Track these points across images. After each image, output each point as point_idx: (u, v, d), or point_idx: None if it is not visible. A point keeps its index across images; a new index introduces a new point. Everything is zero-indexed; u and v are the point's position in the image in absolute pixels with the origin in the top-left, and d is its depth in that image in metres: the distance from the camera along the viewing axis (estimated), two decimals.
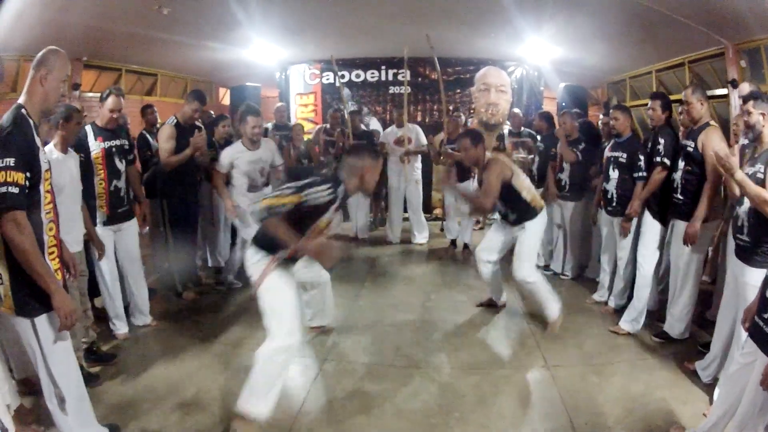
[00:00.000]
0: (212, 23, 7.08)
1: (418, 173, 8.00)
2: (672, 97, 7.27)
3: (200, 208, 5.97)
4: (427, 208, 9.16)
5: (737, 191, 3.39)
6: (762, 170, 2.97)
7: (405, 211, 8.18)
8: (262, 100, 10.66)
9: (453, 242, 7.76)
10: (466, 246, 7.49)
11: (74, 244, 3.67)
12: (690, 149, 4.13)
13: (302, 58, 10.14)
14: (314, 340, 4.51)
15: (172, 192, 5.25)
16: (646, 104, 4.88)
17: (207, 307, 5.33)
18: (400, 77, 9.38)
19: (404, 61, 7.93)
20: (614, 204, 4.94)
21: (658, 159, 4.45)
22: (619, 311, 4.92)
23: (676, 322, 4.42)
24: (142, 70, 9.15)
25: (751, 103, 3.13)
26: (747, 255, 3.15)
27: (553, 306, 4.63)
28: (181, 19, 6.66)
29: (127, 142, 4.55)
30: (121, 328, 4.48)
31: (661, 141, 4.41)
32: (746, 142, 3.86)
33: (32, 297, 2.43)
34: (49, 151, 3.53)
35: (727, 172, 3.04)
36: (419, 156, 7.93)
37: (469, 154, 4.68)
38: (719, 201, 4.33)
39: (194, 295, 5.53)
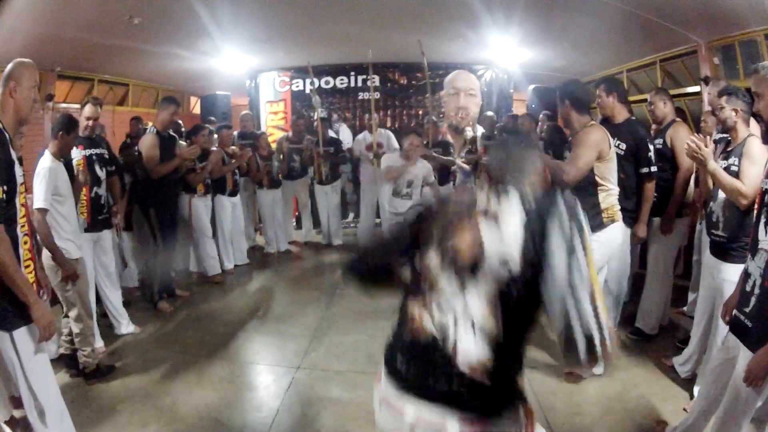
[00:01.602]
0: (182, 33, 7.04)
1: None
2: (643, 96, 7.36)
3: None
4: None
5: (710, 184, 3.42)
6: (736, 163, 3.01)
7: (378, 216, 8.13)
8: (232, 108, 10.59)
9: None
10: None
11: (76, 250, 3.81)
12: (659, 146, 4.24)
13: (272, 66, 10.08)
14: (287, 349, 4.47)
15: (160, 200, 5.30)
16: None
17: (181, 318, 5.29)
18: (369, 83, 9.35)
19: (369, 66, 7.89)
20: None
21: (647, 170, 4.05)
22: None
23: (646, 317, 4.47)
24: (114, 80, 9.05)
25: (724, 98, 3.16)
26: (722, 251, 3.18)
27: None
28: (151, 29, 6.62)
29: (106, 152, 4.63)
30: (97, 341, 4.39)
31: (649, 146, 4.07)
32: (718, 137, 3.91)
33: (10, 310, 2.41)
34: (49, 160, 3.63)
35: (700, 163, 3.04)
36: None
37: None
38: (696, 196, 4.36)
39: (170, 307, 5.47)
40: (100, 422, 3.40)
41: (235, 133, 7.87)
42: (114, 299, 4.75)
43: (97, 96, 5.49)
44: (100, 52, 7.32)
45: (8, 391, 3.20)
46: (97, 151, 4.49)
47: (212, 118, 8.82)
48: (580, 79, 10.04)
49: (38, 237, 3.42)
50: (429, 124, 7.86)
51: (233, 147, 6.95)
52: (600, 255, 3.33)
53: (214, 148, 6.57)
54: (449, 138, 8.21)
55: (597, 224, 3.52)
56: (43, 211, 3.48)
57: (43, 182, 3.51)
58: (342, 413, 3.53)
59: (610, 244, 3.62)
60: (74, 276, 3.72)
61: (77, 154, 4.30)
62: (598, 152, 3.49)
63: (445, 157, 7.36)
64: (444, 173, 7.26)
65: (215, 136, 6.92)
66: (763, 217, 2.26)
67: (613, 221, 3.60)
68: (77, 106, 5.39)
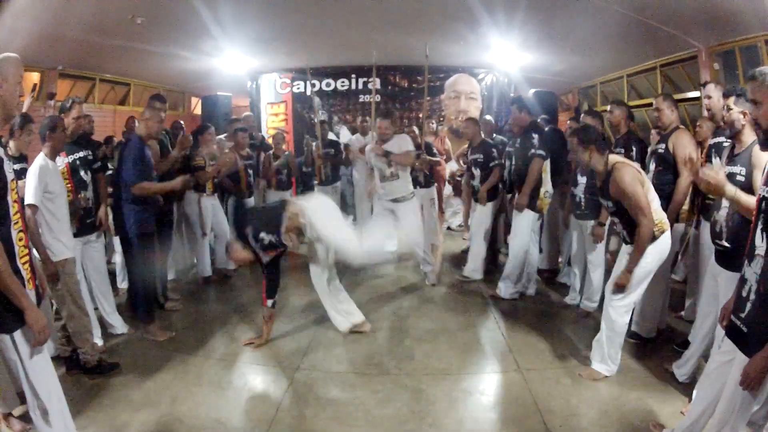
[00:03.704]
0: (184, 33, 7.09)
1: None
2: (643, 101, 7.38)
3: (187, 217, 6.14)
4: None
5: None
6: (742, 172, 2.98)
7: None
8: (233, 109, 10.62)
9: None
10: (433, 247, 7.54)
11: (67, 250, 3.81)
12: (661, 151, 4.29)
13: (273, 67, 10.14)
14: (286, 350, 4.49)
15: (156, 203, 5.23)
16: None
17: (177, 318, 5.29)
18: (370, 86, 9.38)
19: (373, 69, 7.89)
20: (582, 208, 4.96)
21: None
22: (592, 313, 4.99)
23: (644, 321, 4.47)
24: (116, 80, 9.14)
25: (732, 99, 3.13)
26: (727, 260, 3.14)
27: (605, 364, 3.93)
28: (154, 29, 6.67)
29: (90, 153, 4.57)
30: (96, 338, 4.39)
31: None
32: (715, 141, 3.93)
33: (8, 312, 2.39)
34: (41, 159, 3.67)
35: (719, 192, 2.83)
36: None
37: (579, 157, 3.88)
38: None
39: (178, 305, 5.53)
40: (99, 422, 3.40)
41: None
42: (107, 300, 4.76)
43: (78, 96, 5.43)
44: (102, 52, 7.37)
45: (16, 387, 3.22)
46: (80, 154, 4.42)
47: (237, 118, 8.70)
48: (581, 84, 10.12)
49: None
50: (407, 128, 8.01)
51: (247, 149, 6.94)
52: (652, 263, 3.68)
53: (226, 150, 6.60)
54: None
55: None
56: (33, 208, 3.51)
57: (34, 180, 3.53)
58: (341, 414, 3.53)
59: (662, 251, 3.74)
60: (54, 277, 3.71)
61: (60, 162, 4.22)
62: (640, 183, 3.60)
63: (433, 158, 7.45)
64: (429, 174, 7.38)
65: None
66: (760, 223, 2.26)
67: (662, 232, 3.69)
68: None
